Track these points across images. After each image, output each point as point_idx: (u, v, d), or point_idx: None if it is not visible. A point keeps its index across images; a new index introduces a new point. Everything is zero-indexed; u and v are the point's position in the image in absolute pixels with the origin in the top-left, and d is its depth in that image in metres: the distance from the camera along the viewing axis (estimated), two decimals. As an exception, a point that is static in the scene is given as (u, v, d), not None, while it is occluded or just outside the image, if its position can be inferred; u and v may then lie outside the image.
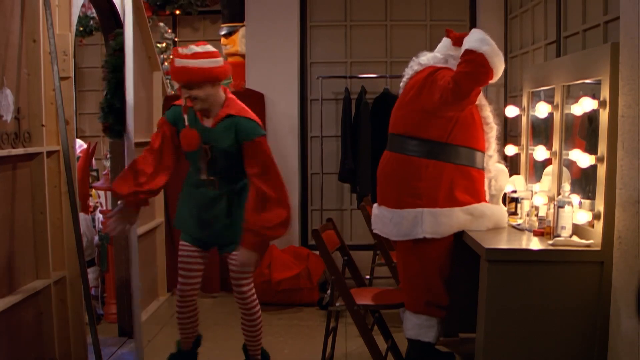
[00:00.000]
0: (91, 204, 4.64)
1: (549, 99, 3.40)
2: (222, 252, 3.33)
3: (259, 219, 3.06)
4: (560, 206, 2.86)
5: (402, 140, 3.20)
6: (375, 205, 3.38)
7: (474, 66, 2.98)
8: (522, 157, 3.82)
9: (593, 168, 2.81)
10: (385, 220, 3.23)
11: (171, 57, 3.18)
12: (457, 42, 3.25)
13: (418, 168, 3.13)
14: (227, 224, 3.24)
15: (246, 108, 3.23)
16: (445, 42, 3.37)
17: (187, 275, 3.31)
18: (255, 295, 3.37)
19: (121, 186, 3.09)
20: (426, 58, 3.29)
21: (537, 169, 3.66)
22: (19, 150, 2.90)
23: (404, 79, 3.37)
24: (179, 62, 3.05)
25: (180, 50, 3.09)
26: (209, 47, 3.12)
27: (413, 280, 3.20)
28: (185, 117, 3.16)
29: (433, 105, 3.08)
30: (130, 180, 3.09)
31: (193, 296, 3.36)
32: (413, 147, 3.15)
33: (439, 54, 3.29)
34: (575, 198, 2.96)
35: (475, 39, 3.07)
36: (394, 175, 3.22)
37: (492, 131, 3.25)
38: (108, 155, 4.52)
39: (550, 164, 3.33)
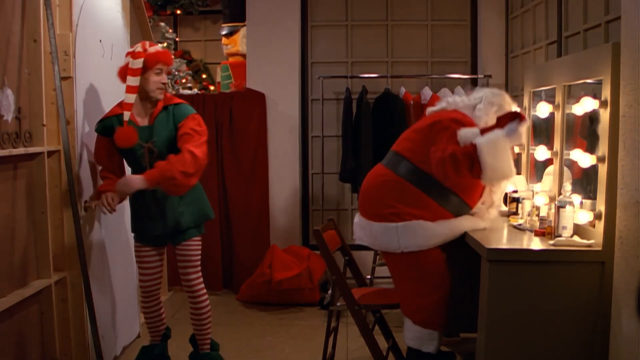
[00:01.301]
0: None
1: (550, 98, 3.39)
2: (176, 244, 3.39)
3: (170, 162, 3.15)
4: (562, 206, 2.86)
5: (400, 160, 3.19)
6: (357, 214, 3.38)
7: (464, 162, 2.92)
8: (524, 157, 3.82)
9: (594, 168, 2.80)
10: (365, 229, 3.24)
11: (140, 50, 3.22)
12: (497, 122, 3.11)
13: (403, 190, 3.12)
14: (177, 215, 3.32)
15: (170, 96, 3.38)
16: (487, 96, 3.25)
17: (144, 274, 3.42)
18: (203, 285, 3.45)
19: None
20: (460, 100, 3.26)
21: (538, 169, 3.66)
22: (20, 150, 2.90)
23: (430, 109, 3.36)
24: (156, 47, 3.24)
25: (146, 42, 3.28)
26: None
27: (406, 292, 3.19)
28: (117, 118, 3.25)
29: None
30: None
31: (155, 292, 3.46)
32: (408, 170, 3.13)
33: (470, 101, 3.24)
34: (577, 198, 2.95)
35: (489, 140, 2.91)
36: (378, 190, 3.21)
37: (494, 207, 3.28)
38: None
39: (552, 163, 3.33)
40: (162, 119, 3.28)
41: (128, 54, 3.26)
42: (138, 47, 3.23)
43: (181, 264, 3.41)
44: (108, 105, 3.63)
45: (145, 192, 3.27)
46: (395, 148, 3.27)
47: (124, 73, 3.23)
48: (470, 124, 3.11)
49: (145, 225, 3.36)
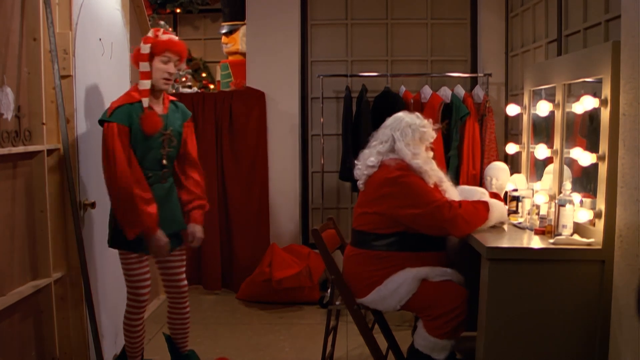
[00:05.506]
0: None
1: (550, 97, 3.39)
2: (177, 246, 3.26)
3: (201, 194, 3.34)
4: (562, 205, 2.86)
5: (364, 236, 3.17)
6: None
7: (471, 219, 3.01)
8: (523, 156, 3.82)
9: (594, 166, 2.80)
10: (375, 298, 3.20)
11: (150, 36, 3.15)
12: None
13: (377, 258, 3.12)
14: (179, 214, 3.26)
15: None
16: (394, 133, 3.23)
17: (145, 285, 3.22)
18: None
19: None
20: (375, 158, 3.19)
21: (538, 168, 3.66)
22: (20, 149, 2.90)
23: (361, 181, 3.26)
24: (170, 36, 3.17)
25: (161, 30, 3.20)
26: None
27: (425, 313, 3.11)
28: (132, 106, 3.09)
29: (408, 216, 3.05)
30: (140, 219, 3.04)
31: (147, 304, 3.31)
32: (376, 242, 3.13)
33: (383, 147, 3.21)
34: (576, 196, 2.95)
35: (500, 214, 3.15)
36: (354, 268, 3.21)
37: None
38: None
39: (551, 162, 3.33)
40: (173, 110, 3.27)
41: (142, 39, 3.17)
42: (150, 33, 3.17)
43: (177, 269, 3.32)
44: (108, 103, 3.62)
45: (156, 192, 3.13)
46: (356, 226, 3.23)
47: (135, 58, 3.16)
48: (404, 167, 3.08)
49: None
